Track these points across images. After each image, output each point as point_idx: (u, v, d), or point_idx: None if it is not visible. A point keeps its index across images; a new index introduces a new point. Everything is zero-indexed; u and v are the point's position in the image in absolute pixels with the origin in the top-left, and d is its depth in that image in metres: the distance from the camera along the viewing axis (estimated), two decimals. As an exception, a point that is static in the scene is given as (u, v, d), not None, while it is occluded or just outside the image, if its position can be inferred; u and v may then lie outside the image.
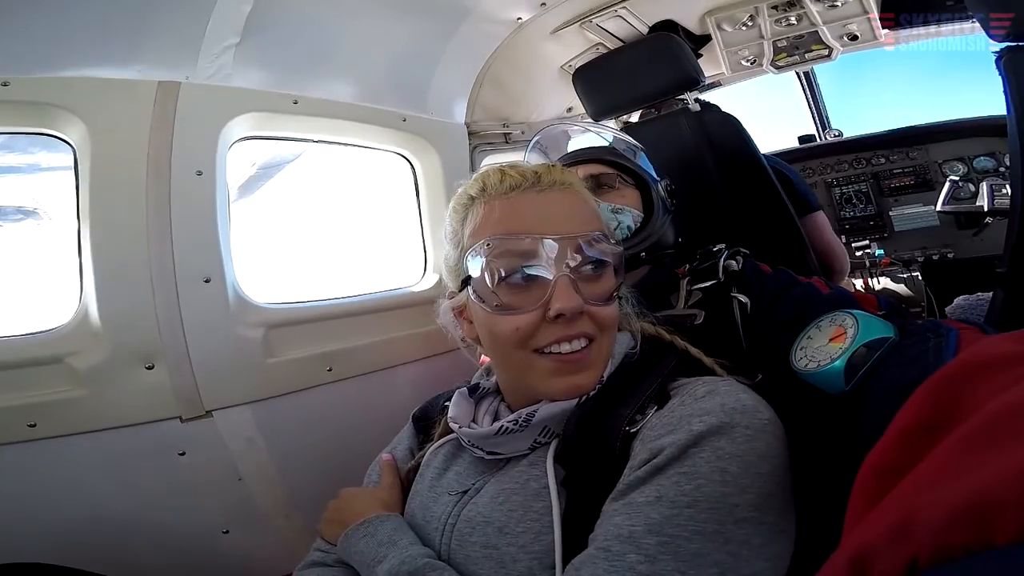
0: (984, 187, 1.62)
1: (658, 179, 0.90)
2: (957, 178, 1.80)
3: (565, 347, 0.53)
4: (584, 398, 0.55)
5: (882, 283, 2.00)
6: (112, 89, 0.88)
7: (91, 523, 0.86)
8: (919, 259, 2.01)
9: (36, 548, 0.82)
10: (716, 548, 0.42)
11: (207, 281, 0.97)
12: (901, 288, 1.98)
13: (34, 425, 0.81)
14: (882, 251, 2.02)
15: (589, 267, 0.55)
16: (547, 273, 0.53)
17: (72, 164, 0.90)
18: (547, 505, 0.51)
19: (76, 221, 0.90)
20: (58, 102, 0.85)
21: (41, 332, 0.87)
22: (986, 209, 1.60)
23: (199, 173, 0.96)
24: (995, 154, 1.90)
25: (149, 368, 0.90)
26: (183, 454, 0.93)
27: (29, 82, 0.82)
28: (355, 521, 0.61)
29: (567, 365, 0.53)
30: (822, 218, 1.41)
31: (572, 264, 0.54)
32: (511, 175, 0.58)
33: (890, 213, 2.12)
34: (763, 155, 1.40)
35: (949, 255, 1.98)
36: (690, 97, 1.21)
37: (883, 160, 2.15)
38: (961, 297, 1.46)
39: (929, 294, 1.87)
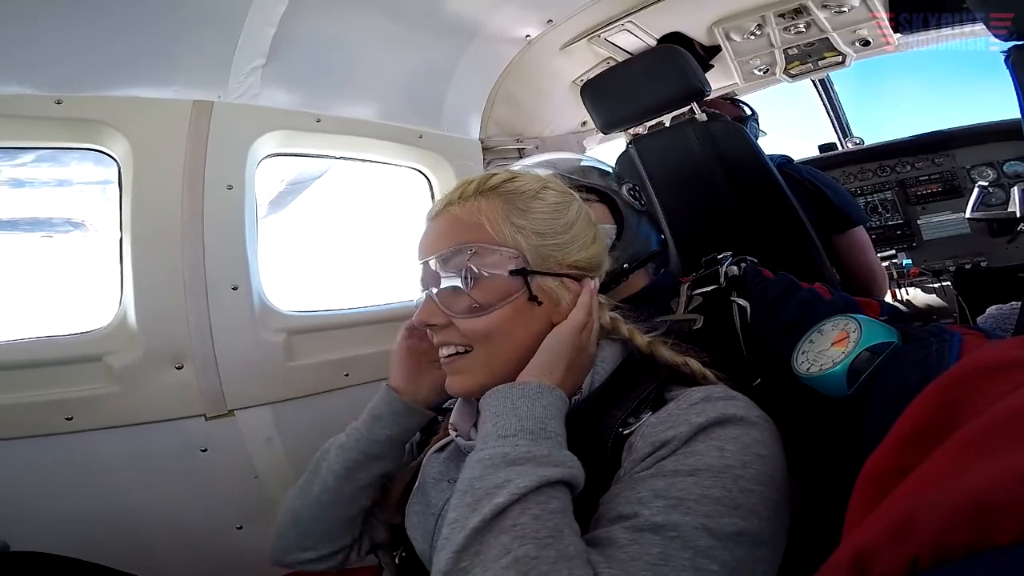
0: (1016, 192, 1.54)
1: (618, 188, 0.86)
2: (986, 183, 1.72)
3: (442, 351, 0.59)
4: (572, 400, 0.56)
5: (911, 294, 1.92)
6: (152, 108, 0.96)
7: (112, 512, 0.90)
8: (951, 268, 1.92)
9: (59, 534, 0.86)
10: (728, 511, 0.42)
11: (235, 288, 1.03)
12: (932, 299, 1.89)
13: (71, 418, 0.87)
14: (910, 261, 1.94)
15: (456, 282, 0.57)
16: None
17: (116, 178, 0.98)
18: None
19: (119, 231, 0.97)
20: (105, 119, 0.93)
21: (83, 333, 0.94)
22: (1018, 215, 1.52)
23: (230, 187, 1.03)
24: (1026, 158, 1.82)
25: (179, 368, 0.96)
26: (205, 451, 0.97)
27: (79, 100, 0.90)
28: None
29: (448, 368, 0.60)
30: (861, 236, 1.34)
31: (435, 282, 0.58)
32: (435, 204, 0.64)
33: (918, 222, 2.04)
34: (799, 166, 1.38)
35: (982, 264, 1.88)
36: (696, 107, 1.22)
37: (908, 167, 2.08)
38: (994, 307, 1.39)
39: (962, 304, 1.78)
